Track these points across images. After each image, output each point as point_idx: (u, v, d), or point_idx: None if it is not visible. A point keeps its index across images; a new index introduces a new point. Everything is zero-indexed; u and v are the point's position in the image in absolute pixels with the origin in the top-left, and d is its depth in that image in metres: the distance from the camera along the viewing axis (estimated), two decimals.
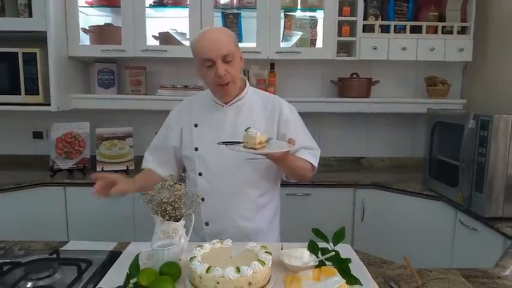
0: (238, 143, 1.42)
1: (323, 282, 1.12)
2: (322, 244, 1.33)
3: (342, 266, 1.21)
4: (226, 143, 1.43)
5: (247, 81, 1.70)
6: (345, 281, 1.12)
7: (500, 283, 1.27)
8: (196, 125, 1.67)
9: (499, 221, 1.95)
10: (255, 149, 1.37)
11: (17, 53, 2.64)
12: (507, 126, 1.92)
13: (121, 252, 1.39)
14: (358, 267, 1.28)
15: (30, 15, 2.63)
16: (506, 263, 1.44)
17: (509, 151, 1.93)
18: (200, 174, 1.64)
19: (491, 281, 1.28)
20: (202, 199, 1.60)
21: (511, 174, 1.96)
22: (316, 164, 1.68)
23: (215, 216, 1.64)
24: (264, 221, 1.69)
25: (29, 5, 2.64)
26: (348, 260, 1.24)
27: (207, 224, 1.65)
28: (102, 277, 1.20)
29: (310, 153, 1.67)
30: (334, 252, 1.25)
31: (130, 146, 2.95)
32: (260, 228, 1.68)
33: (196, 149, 1.65)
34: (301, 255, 1.24)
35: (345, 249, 1.36)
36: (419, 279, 1.22)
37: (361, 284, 1.15)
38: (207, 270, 1.07)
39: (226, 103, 1.65)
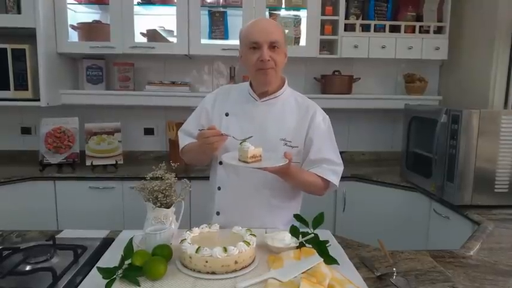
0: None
1: (303, 261, 1.22)
2: (303, 230, 1.40)
3: (321, 247, 1.29)
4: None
5: (286, 82, 1.68)
6: (323, 259, 1.21)
7: (465, 262, 1.38)
8: (227, 114, 1.65)
9: (468, 208, 2.08)
10: (247, 162, 1.37)
11: (6, 49, 2.66)
12: (475, 120, 2.06)
13: (114, 239, 1.45)
14: (335, 249, 1.36)
15: (19, 12, 2.65)
16: (471, 245, 1.56)
17: (478, 143, 2.07)
18: (220, 163, 1.64)
19: (456, 261, 1.38)
20: (219, 188, 1.65)
21: (479, 165, 2.09)
22: (335, 181, 1.61)
23: (226, 207, 1.65)
24: (275, 224, 1.62)
25: (17, 2, 2.66)
26: (326, 242, 1.32)
27: (218, 213, 1.66)
28: (98, 260, 1.27)
29: (329, 170, 1.61)
30: (313, 235, 1.34)
31: (118, 141, 3.00)
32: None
33: None
34: (283, 237, 1.33)
35: (324, 234, 1.45)
36: (391, 259, 1.31)
37: (338, 263, 1.24)
38: (197, 251, 1.15)
39: (260, 98, 1.63)
